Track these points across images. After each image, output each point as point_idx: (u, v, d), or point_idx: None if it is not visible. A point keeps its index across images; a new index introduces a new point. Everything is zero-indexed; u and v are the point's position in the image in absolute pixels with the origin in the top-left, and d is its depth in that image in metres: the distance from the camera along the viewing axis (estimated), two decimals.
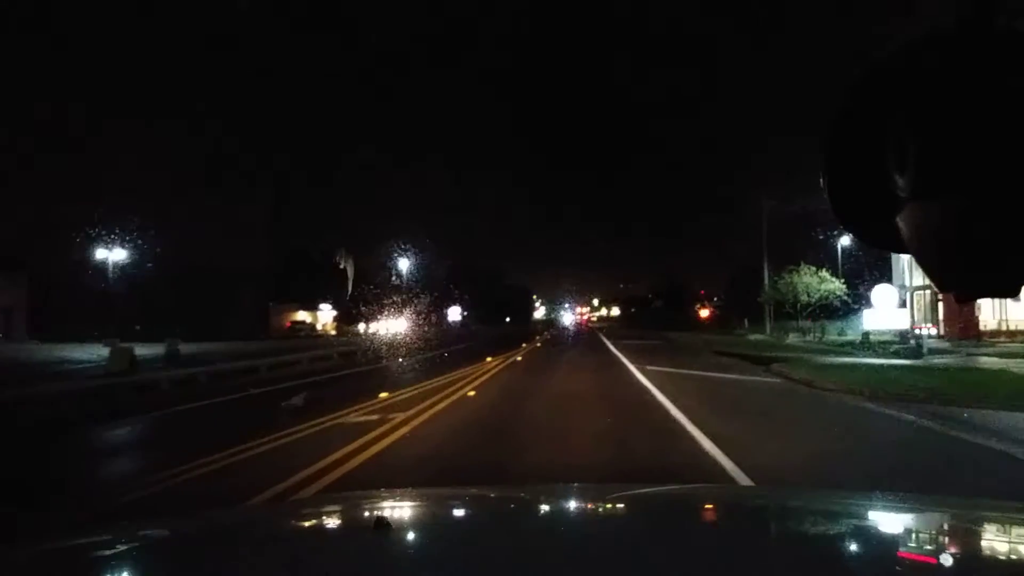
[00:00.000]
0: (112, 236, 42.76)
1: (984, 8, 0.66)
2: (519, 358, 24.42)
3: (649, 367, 18.28)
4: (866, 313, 31.89)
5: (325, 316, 74.28)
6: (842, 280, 40.57)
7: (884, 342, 31.11)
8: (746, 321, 48.60)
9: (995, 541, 1.84)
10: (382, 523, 1.63)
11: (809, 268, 40.96)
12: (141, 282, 50.89)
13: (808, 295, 40.86)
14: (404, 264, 59.54)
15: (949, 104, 0.68)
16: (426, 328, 49.52)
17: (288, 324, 67.22)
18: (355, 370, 20.92)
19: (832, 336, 39.24)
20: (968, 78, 0.67)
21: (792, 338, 39.50)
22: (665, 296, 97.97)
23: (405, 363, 23.87)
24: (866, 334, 32.14)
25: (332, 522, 2.27)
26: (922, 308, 37.23)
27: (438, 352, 27.31)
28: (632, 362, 20.28)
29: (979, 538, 1.88)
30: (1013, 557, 1.68)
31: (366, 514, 2.17)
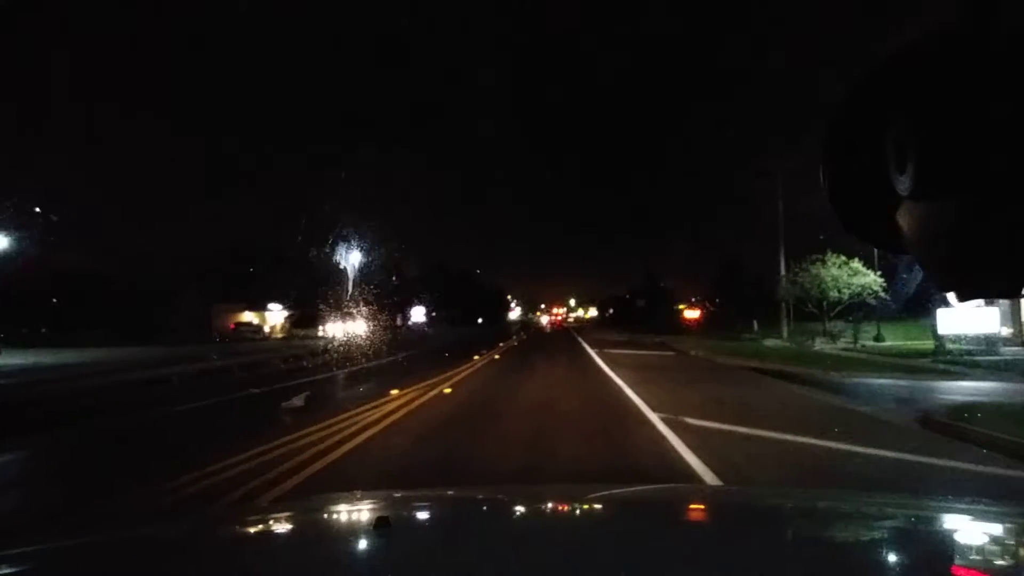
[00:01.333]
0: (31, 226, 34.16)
1: (984, 8, 0.64)
2: (447, 390, 13.65)
3: (691, 420, 8.90)
4: (940, 313, 23.12)
5: (275, 317, 67.58)
6: (878, 272, 31.70)
7: (965, 351, 22.35)
8: (755, 323, 39.47)
9: (972, 540, 1.73)
10: (383, 523, 1.59)
11: (837, 257, 32.02)
12: (66, 279, 46.33)
13: (838, 290, 31.94)
14: (371, 263, 51.64)
15: (949, 104, 0.66)
16: (386, 330, 42.01)
17: (232, 326, 60.16)
18: (175, 409, 11.48)
19: (867, 340, 30.32)
20: (968, 78, 0.65)
21: (820, 344, 30.53)
22: (647, 295, 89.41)
23: (277, 390, 14.70)
24: (940, 340, 23.20)
25: (333, 521, 2.18)
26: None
27: (367, 365, 20.20)
28: (652, 405, 10.70)
29: (951, 537, 1.80)
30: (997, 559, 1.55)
31: (367, 514, 2.12)
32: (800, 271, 32.98)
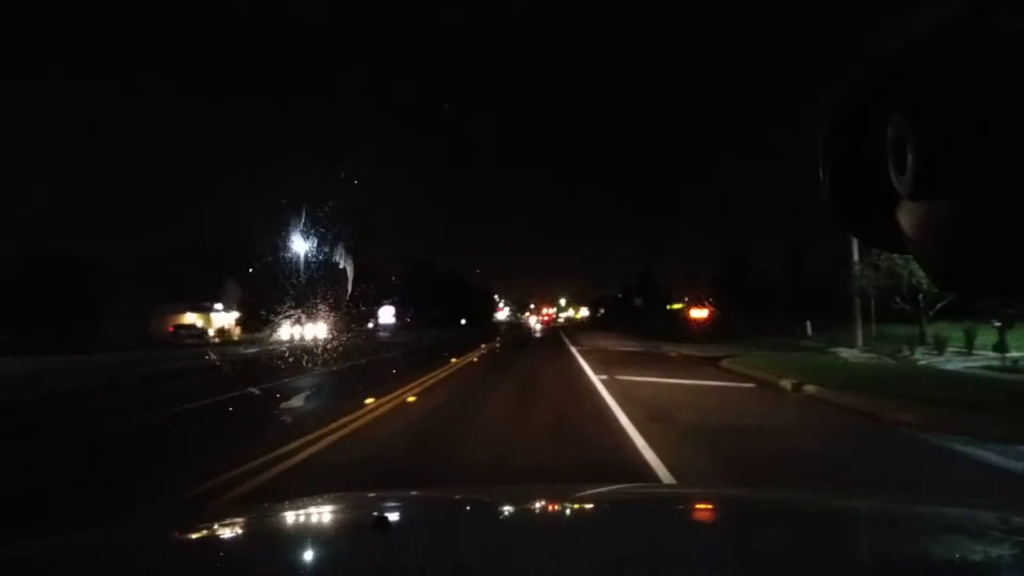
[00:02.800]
0: None
1: (984, 7, 0.63)
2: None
3: None
4: None
5: (222, 319, 59.04)
6: None
7: None
8: (808, 325, 28.85)
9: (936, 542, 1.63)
10: (382, 522, 1.55)
11: None
12: None
13: None
14: (342, 261, 42.92)
15: (949, 103, 0.64)
16: (340, 335, 32.66)
17: (171, 329, 53.24)
18: None
19: (985, 349, 19.92)
20: (968, 77, 0.64)
21: (923, 356, 20.22)
22: (644, 294, 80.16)
23: None
24: None
25: (331, 521, 2.12)
26: None
27: (202, 404, 12.71)
28: None
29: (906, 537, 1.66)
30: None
31: (365, 513, 1.98)
32: (885, 255, 22.52)
